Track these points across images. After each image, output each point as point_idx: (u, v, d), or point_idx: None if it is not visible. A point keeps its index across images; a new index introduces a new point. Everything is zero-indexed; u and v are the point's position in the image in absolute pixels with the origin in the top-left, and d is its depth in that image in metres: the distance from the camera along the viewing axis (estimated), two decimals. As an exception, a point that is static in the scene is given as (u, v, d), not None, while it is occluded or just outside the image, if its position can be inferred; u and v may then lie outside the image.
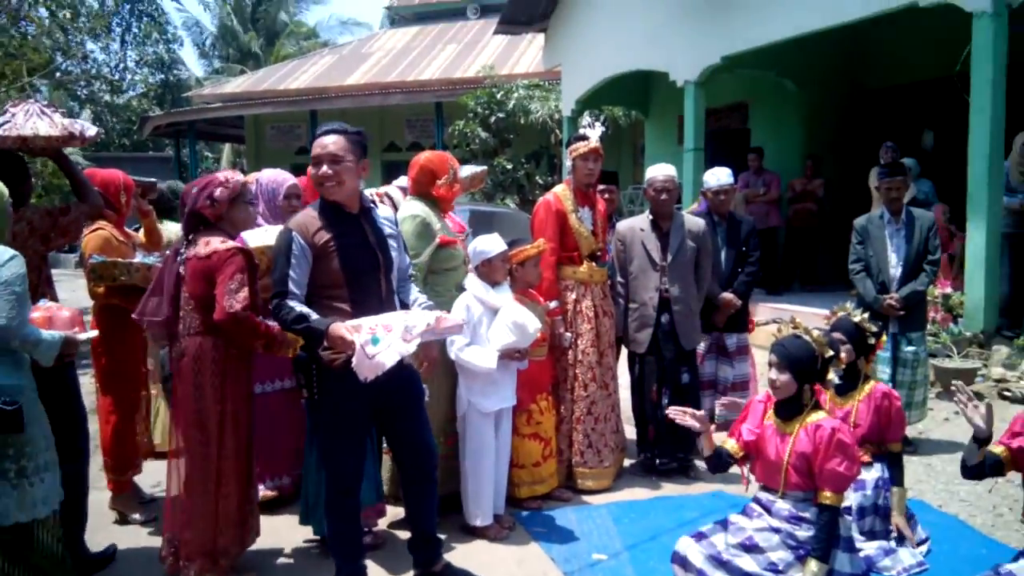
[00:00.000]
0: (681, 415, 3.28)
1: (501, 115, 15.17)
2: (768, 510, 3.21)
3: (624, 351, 5.06)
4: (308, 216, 3.23)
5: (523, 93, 15.19)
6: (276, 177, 4.33)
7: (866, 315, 3.99)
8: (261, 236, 3.91)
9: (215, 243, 3.38)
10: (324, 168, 3.16)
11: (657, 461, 4.89)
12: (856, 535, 3.68)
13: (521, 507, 4.30)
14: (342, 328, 2.96)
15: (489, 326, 3.95)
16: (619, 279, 4.93)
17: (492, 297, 3.96)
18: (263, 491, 4.13)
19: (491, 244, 4.00)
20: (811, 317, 6.86)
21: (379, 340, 2.92)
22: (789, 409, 3.21)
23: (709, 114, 10.38)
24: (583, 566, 3.66)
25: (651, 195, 4.85)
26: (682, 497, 4.53)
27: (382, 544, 3.87)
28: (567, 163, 4.82)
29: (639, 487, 4.70)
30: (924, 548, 3.83)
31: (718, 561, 3.09)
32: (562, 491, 4.50)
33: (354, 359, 2.93)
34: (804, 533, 3.10)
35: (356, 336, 2.94)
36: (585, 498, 4.52)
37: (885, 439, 3.87)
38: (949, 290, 6.88)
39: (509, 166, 15.06)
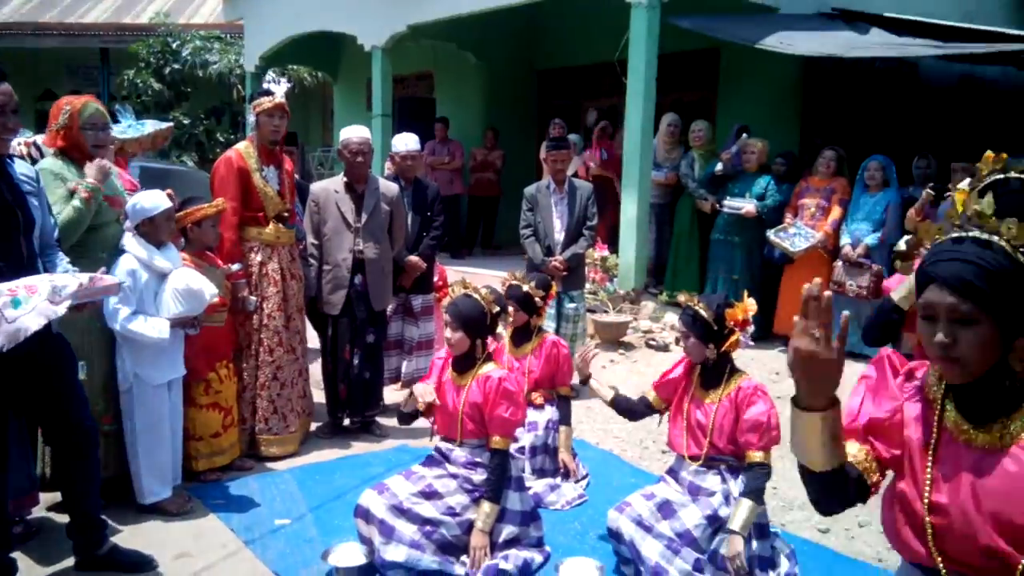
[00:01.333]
0: None
1: (176, 66, 14.11)
2: (447, 458, 3.39)
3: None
4: None
5: (200, 44, 14.22)
6: None
7: (534, 283, 4.34)
8: None
9: None
10: None
11: (348, 421, 4.94)
12: (528, 473, 4.02)
13: (199, 480, 4.09)
14: None
15: (158, 292, 3.63)
16: (312, 240, 4.85)
17: (158, 261, 3.62)
18: None
19: (152, 200, 3.64)
20: (491, 279, 7.27)
21: (21, 302, 2.58)
22: (464, 363, 3.41)
23: (397, 81, 10.50)
24: (265, 533, 3.58)
25: (346, 157, 4.81)
26: (369, 455, 4.61)
27: (35, 533, 3.48)
28: (251, 119, 4.62)
29: (327, 449, 4.70)
30: (584, 482, 4.28)
31: (399, 510, 3.19)
32: (244, 460, 4.35)
33: None
34: (479, 477, 3.31)
35: None
36: (270, 465, 4.42)
37: (556, 383, 4.30)
38: (606, 252, 7.66)
39: (187, 121, 14.04)
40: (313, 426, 4.95)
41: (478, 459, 3.34)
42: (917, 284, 1.50)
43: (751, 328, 3.28)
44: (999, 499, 1.45)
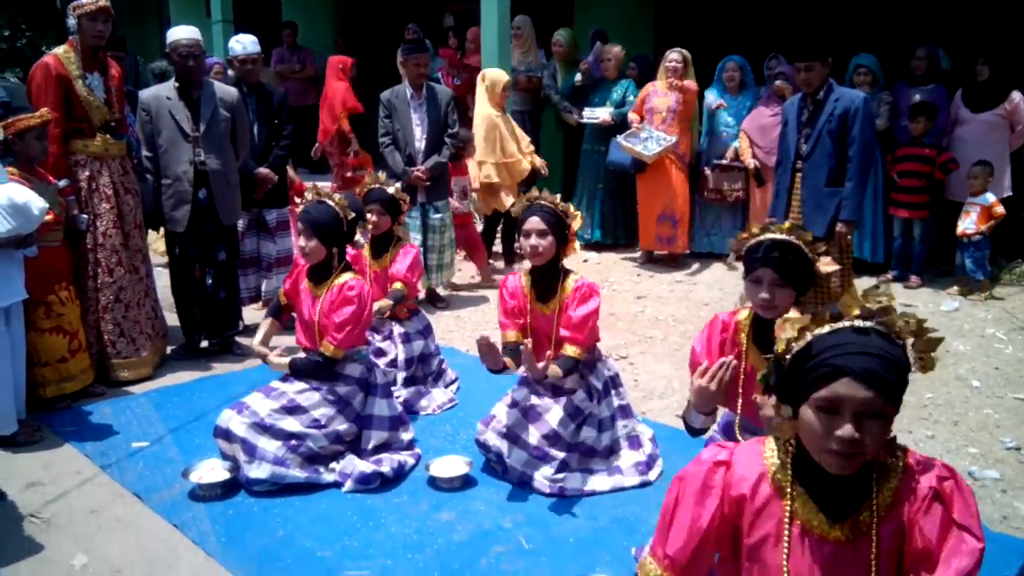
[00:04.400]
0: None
1: (-16, -31, 12.75)
2: None
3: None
4: None
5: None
6: None
7: (399, 185, 4.23)
8: None
9: None
10: None
11: (206, 343, 4.76)
12: (399, 383, 3.99)
13: (49, 409, 3.87)
14: None
15: (-17, 212, 3.35)
16: (146, 153, 4.54)
17: None
18: None
19: None
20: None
21: None
22: (320, 273, 3.30)
23: (237, -15, 9.83)
24: (122, 457, 3.45)
25: (177, 61, 4.47)
26: (230, 375, 4.47)
27: None
28: (71, 21, 4.23)
29: (185, 371, 4.52)
30: (454, 387, 4.31)
31: (261, 427, 3.12)
32: (96, 387, 4.14)
33: None
34: (343, 388, 3.28)
35: None
36: (124, 390, 4.23)
37: (392, 277, 4.17)
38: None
39: (7, 32, 12.76)
40: (169, 349, 4.74)
41: (341, 370, 3.30)
42: (810, 376, 1.43)
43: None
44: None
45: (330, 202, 3.28)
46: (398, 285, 4.13)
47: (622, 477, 3.22)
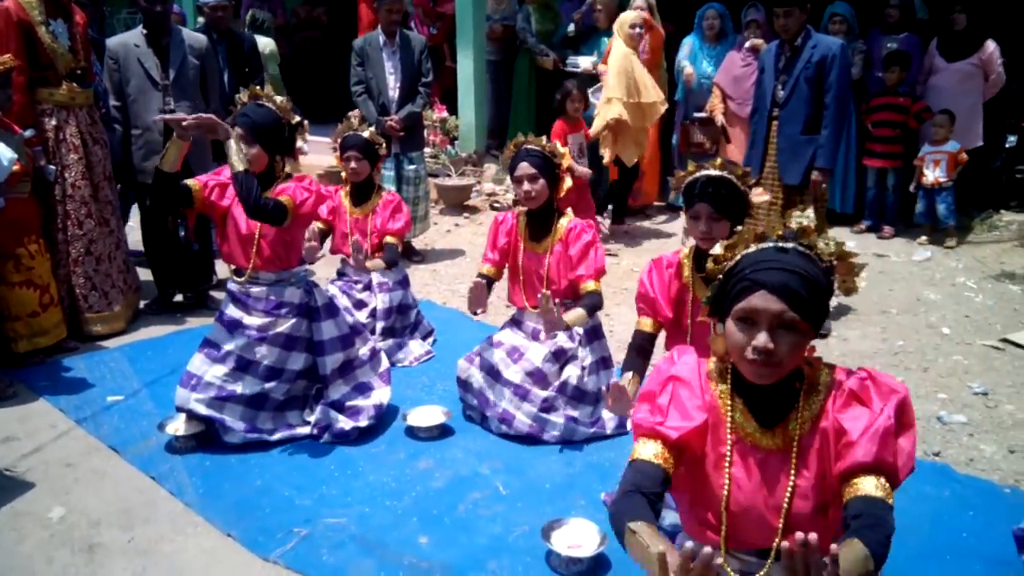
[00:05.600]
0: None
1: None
2: (246, 306, 3.14)
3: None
4: None
5: None
6: None
7: (372, 128, 4.18)
8: None
9: None
10: None
11: (182, 296, 4.71)
12: (377, 334, 3.98)
13: (22, 364, 3.84)
14: None
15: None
16: (114, 102, 4.44)
17: None
18: None
19: None
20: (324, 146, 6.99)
21: None
22: (260, 183, 3.05)
23: (205, -70, 9.51)
24: (97, 411, 3.44)
25: (144, 7, 4.37)
26: (204, 328, 4.38)
27: None
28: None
29: (158, 325, 4.48)
30: (431, 339, 4.31)
31: (220, 399, 3.06)
32: (69, 342, 4.10)
33: None
34: (287, 322, 3.13)
35: None
36: (98, 344, 4.20)
37: (384, 231, 4.16)
38: (445, 114, 7.49)
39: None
40: (142, 304, 4.70)
41: (283, 298, 3.14)
42: (733, 290, 1.53)
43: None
44: (781, 495, 1.57)
45: (270, 104, 3.07)
46: (390, 240, 4.12)
47: (601, 431, 3.24)
